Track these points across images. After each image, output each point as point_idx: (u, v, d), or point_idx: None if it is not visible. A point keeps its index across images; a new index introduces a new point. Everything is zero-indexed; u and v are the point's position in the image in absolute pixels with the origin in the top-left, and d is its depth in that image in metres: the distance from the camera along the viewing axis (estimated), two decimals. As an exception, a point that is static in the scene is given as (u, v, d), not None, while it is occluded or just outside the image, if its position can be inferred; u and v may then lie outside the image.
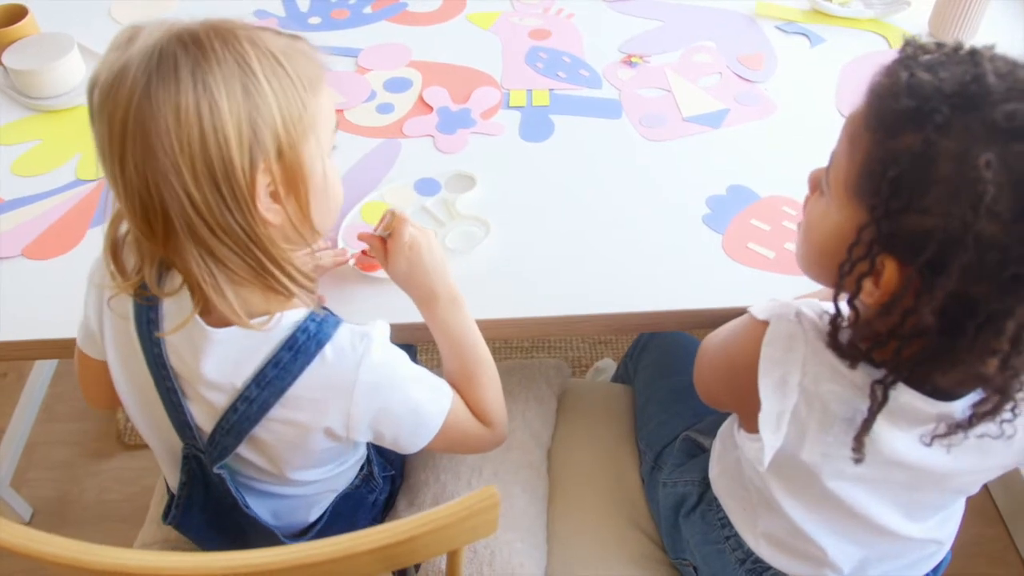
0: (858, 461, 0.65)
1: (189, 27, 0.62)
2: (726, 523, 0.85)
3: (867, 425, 0.63)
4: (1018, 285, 0.55)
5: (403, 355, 0.77)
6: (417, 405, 0.78)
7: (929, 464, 0.68)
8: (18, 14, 1.24)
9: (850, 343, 0.64)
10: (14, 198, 1.07)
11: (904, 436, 0.66)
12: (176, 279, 0.70)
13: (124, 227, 0.69)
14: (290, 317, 0.71)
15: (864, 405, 0.64)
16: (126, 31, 0.63)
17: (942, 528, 0.80)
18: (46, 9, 1.30)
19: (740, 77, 1.24)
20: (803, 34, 1.33)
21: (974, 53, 0.58)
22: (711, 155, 1.12)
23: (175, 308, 0.71)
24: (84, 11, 1.37)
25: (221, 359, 0.71)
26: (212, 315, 0.70)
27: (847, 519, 0.74)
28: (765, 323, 0.68)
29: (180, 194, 0.61)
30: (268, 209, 0.65)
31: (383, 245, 0.86)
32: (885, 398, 0.62)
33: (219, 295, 0.66)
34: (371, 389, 0.73)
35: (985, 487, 1.57)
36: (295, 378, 0.71)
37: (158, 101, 0.59)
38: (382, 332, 0.75)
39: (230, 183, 0.62)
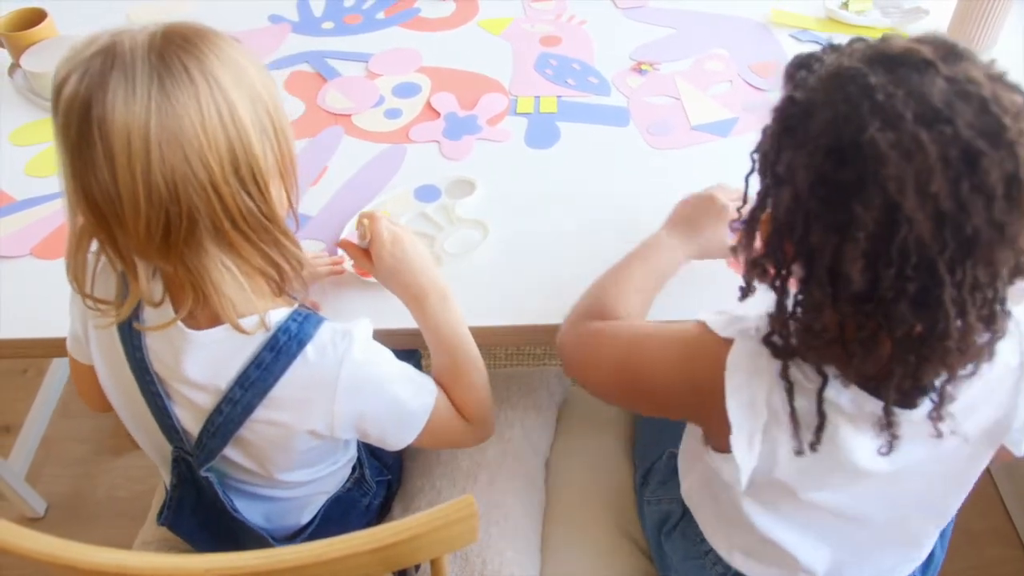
0: (800, 453, 0.63)
1: (168, 28, 0.62)
2: (704, 538, 0.84)
3: (821, 423, 0.62)
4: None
5: (386, 353, 0.77)
6: (401, 403, 0.78)
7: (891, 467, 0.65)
8: (37, 18, 1.26)
9: (787, 343, 0.62)
10: (26, 198, 1.09)
11: (872, 443, 0.63)
12: (158, 286, 0.70)
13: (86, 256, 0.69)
14: (272, 317, 0.71)
15: (835, 417, 0.62)
16: (90, 46, 0.61)
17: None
18: (65, 12, 1.32)
19: (751, 86, 1.23)
20: (817, 43, 1.31)
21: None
22: (718, 164, 1.10)
23: (155, 313, 0.71)
24: (102, 15, 1.39)
25: (203, 361, 0.71)
26: (194, 318, 0.70)
27: (825, 518, 0.72)
28: (727, 340, 0.66)
29: (209, 191, 0.62)
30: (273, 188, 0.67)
31: (366, 252, 0.86)
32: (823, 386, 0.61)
33: (224, 294, 0.66)
34: (353, 387, 0.73)
35: (1004, 508, 1.53)
36: (277, 379, 0.71)
37: (181, 103, 0.59)
38: (364, 330, 0.75)
39: (250, 169, 0.64)
